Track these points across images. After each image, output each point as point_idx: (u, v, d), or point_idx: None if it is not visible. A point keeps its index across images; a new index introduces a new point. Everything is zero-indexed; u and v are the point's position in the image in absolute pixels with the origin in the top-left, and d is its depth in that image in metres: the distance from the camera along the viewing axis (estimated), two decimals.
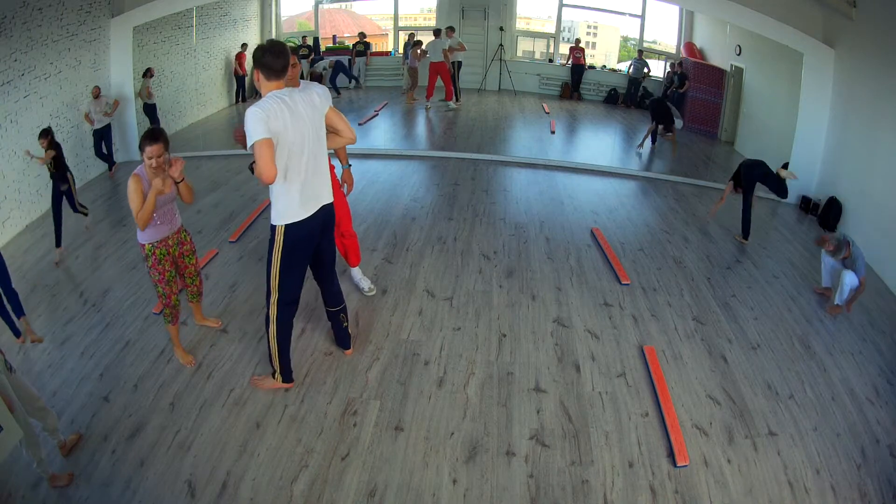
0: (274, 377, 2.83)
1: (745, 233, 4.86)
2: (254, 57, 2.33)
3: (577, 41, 10.79)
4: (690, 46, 9.95)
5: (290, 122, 2.30)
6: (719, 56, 8.98)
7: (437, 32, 9.31)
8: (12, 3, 4.63)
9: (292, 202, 2.43)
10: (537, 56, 11.71)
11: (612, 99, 10.70)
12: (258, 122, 2.21)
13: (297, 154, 2.37)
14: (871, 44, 4.95)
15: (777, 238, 5.18)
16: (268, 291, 2.62)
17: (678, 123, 7.81)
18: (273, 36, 10.80)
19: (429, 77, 9.18)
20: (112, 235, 4.59)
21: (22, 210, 4.77)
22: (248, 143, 2.22)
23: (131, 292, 3.71)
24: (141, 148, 2.68)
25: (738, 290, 4.09)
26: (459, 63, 9.31)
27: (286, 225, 2.46)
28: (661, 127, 7.56)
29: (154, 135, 2.68)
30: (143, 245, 2.85)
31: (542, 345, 3.32)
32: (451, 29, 9.47)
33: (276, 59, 2.31)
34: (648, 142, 7.75)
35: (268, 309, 2.64)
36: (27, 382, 2.31)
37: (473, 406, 2.82)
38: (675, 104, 9.01)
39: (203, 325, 3.38)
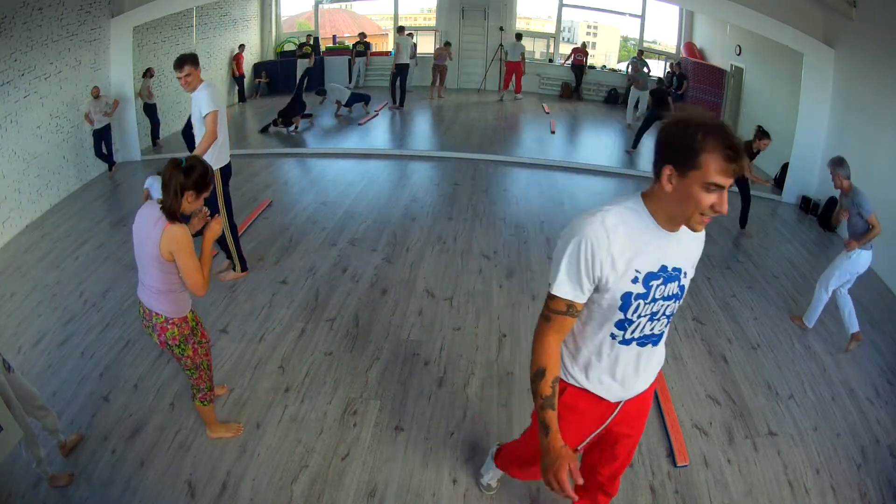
0: (234, 270, 3.89)
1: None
2: (193, 61, 3.45)
3: (584, 45, 10.83)
4: (690, 46, 9.95)
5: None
6: (719, 56, 8.99)
7: (400, 30, 9.59)
8: (12, 3, 4.62)
9: (220, 153, 3.56)
10: (537, 56, 11.72)
11: (612, 99, 10.70)
12: (218, 97, 3.49)
13: (223, 121, 3.54)
14: (871, 44, 4.95)
15: (777, 238, 5.18)
16: (220, 212, 3.62)
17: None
18: (273, 36, 10.84)
19: (506, 75, 10.36)
20: (112, 235, 4.58)
21: (22, 210, 4.77)
22: (211, 109, 3.39)
23: (131, 292, 3.70)
24: (206, 186, 2.02)
25: (738, 290, 4.09)
26: (407, 65, 9.08)
27: (220, 168, 3.57)
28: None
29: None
30: (176, 321, 2.13)
31: None
32: (401, 29, 9.57)
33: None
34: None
35: (224, 224, 3.55)
36: (26, 382, 2.30)
37: (473, 406, 2.82)
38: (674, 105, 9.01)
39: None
